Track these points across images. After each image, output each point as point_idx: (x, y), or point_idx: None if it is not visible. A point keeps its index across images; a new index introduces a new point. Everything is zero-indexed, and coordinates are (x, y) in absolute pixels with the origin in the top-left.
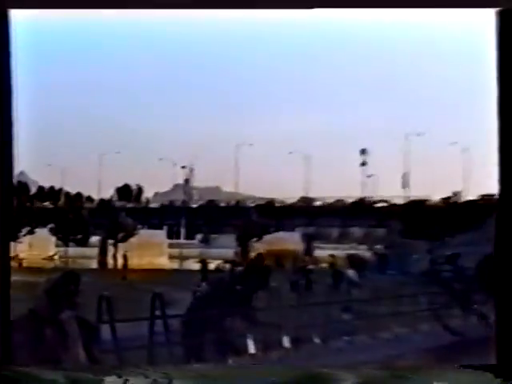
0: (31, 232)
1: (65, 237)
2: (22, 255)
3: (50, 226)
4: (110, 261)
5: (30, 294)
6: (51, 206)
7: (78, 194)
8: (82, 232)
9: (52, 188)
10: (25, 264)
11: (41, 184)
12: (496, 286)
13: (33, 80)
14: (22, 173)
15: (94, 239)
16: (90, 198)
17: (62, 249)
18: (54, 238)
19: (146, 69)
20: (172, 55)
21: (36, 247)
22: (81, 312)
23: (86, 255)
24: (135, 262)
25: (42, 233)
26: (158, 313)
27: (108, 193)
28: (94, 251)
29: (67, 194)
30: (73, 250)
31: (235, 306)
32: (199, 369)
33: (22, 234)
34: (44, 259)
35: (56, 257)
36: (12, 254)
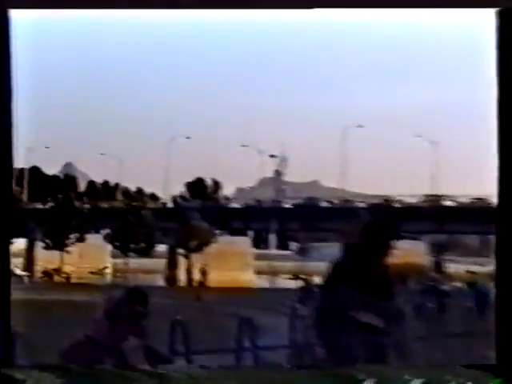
0: (81, 239)
1: (123, 245)
2: (69, 268)
3: (104, 231)
4: (181, 276)
5: (85, 317)
6: (106, 206)
7: (140, 191)
8: (144, 239)
9: (106, 183)
10: (74, 279)
11: (92, 178)
12: (497, 286)
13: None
14: (68, 164)
15: (161, 248)
16: (154, 196)
17: (119, 260)
18: (109, 247)
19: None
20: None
21: (87, 258)
22: (149, 340)
23: (149, 268)
24: (213, 277)
25: (96, 240)
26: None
27: (176, 189)
28: (161, 263)
29: (125, 190)
30: (134, 262)
31: (346, 335)
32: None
33: (71, 241)
34: (93, 273)
35: (108, 270)
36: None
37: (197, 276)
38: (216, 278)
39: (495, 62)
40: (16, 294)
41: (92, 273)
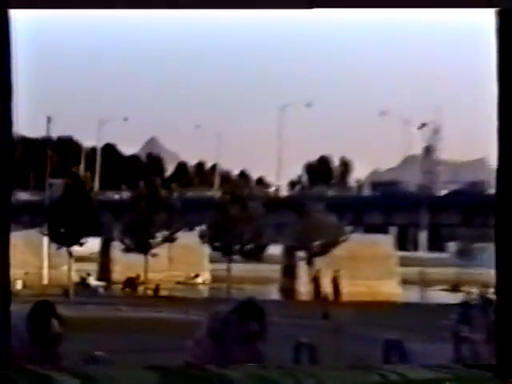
0: (171, 238)
1: (225, 246)
2: (156, 276)
3: (200, 228)
4: (301, 287)
5: (182, 339)
6: (201, 196)
7: (243, 175)
8: (252, 239)
9: (200, 165)
10: (164, 290)
11: (183, 159)
12: (497, 285)
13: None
14: (153, 140)
15: (274, 251)
16: (261, 181)
17: (220, 266)
18: (207, 249)
19: None
20: None
21: (178, 263)
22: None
23: (259, 276)
24: (344, 288)
25: (189, 240)
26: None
27: (293, 172)
28: (274, 270)
29: (225, 173)
30: (239, 269)
31: None
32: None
33: (158, 240)
34: (181, 283)
35: (202, 279)
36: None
37: (324, 286)
38: (348, 289)
39: (495, 63)
40: (89, 311)
41: (179, 283)
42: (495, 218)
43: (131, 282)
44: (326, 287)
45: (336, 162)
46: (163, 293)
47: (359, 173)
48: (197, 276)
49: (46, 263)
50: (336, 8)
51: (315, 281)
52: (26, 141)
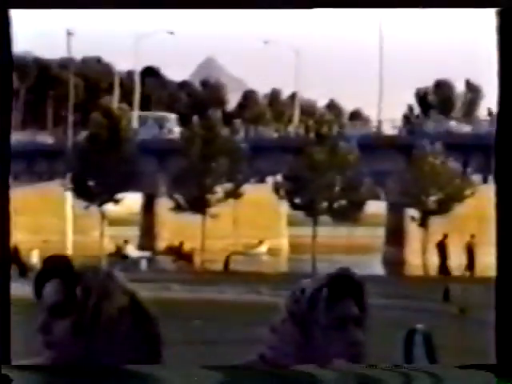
0: (235, 193)
1: (309, 203)
2: (218, 244)
3: (274, 177)
4: (413, 256)
5: (252, 324)
6: (274, 134)
7: (332, 106)
8: (345, 192)
9: (274, 94)
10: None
11: (250, 86)
12: (497, 285)
13: None
14: (209, 61)
15: (374, 208)
16: (356, 115)
17: (302, 230)
18: (284, 207)
19: None
20: None
21: (246, 226)
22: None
23: (354, 244)
24: (477, 257)
25: (260, 194)
26: None
27: (399, 101)
28: (376, 235)
29: (308, 105)
30: (326, 234)
31: None
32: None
33: (218, 196)
34: (239, 253)
35: (266, 247)
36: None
37: (448, 256)
38: (482, 259)
39: (496, 63)
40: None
41: (236, 253)
42: (496, 215)
43: (182, 253)
44: (450, 257)
45: (460, 88)
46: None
47: (491, 101)
48: (260, 243)
49: (70, 227)
50: (336, 8)
51: (440, 249)
52: (41, 64)
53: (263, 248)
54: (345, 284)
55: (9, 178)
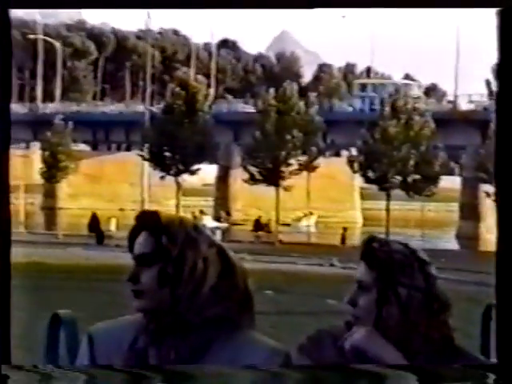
0: (310, 166)
1: (382, 177)
2: (291, 216)
3: (348, 151)
4: (487, 232)
5: (323, 296)
6: (348, 108)
7: (408, 80)
8: (419, 166)
9: (349, 67)
10: (301, 234)
11: (325, 60)
12: (497, 284)
13: None
14: (285, 34)
15: (448, 183)
16: (432, 89)
17: (375, 203)
18: (358, 180)
19: None
20: None
21: (320, 199)
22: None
23: (430, 218)
24: None
25: (334, 167)
26: None
27: (476, 76)
28: (448, 209)
29: (383, 79)
30: (401, 207)
31: None
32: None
33: (292, 168)
34: (286, 225)
35: (312, 220)
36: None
37: None
38: None
39: (496, 64)
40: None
41: (284, 224)
42: (497, 216)
43: (261, 224)
44: None
45: None
46: (294, 238)
47: None
48: (306, 215)
49: (146, 196)
50: (336, 8)
51: None
52: (119, 35)
53: (311, 220)
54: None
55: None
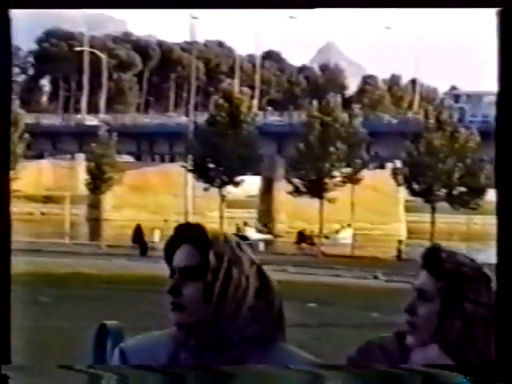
0: (354, 178)
1: (427, 189)
2: (335, 228)
3: (393, 163)
4: None
5: (367, 308)
6: (393, 119)
7: (454, 92)
8: (465, 178)
9: (394, 79)
10: (342, 246)
11: (370, 71)
12: (497, 285)
13: None
14: (330, 46)
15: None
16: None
17: (420, 216)
18: (403, 192)
19: None
20: None
21: (364, 211)
22: None
23: (474, 231)
24: None
25: (378, 179)
26: None
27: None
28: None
29: (428, 90)
30: (445, 220)
31: None
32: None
33: (336, 180)
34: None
35: (347, 233)
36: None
37: None
38: None
39: (496, 64)
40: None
41: (326, 237)
42: (497, 216)
43: (305, 235)
44: None
45: None
46: (337, 250)
47: None
48: (343, 227)
49: (190, 208)
50: (337, 8)
51: None
52: (164, 47)
53: (348, 233)
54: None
55: (9, 174)
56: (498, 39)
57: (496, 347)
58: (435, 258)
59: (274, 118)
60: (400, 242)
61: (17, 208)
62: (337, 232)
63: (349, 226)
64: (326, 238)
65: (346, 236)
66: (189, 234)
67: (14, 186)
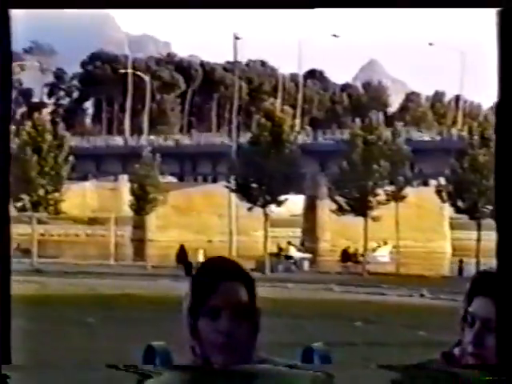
0: (398, 196)
1: (472, 207)
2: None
3: (437, 180)
4: None
5: (413, 327)
6: (436, 137)
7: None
8: None
9: (437, 96)
10: (385, 264)
11: (412, 88)
12: (497, 285)
13: None
14: (372, 64)
15: None
16: None
17: (465, 233)
18: (448, 210)
19: None
20: None
21: (409, 229)
22: None
23: None
24: None
25: (423, 197)
26: None
27: None
28: None
29: (472, 107)
30: (490, 237)
31: None
32: None
33: (380, 198)
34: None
35: (386, 250)
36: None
37: None
38: None
39: (496, 64)
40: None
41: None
42: (496, 213)
43: (349, 254)
44: None
45: None
46: (382, 268)
47: None
48: (380, 246)
49: (234, 228)
50: (337, 8)
51: None
52: (206, 67)
53: (386, 250)
54: None
55: (8, 185)
56: (497, 39)
57: (496, 347)
58: (494, 284)
59: (316, 136)
60: (461, 261)
61: (63, 230)
62: (373, 250)
63: (385, 243)
64: (362, 256)
65: (383, 254)
66: (234, 269)
67: (60, 207)
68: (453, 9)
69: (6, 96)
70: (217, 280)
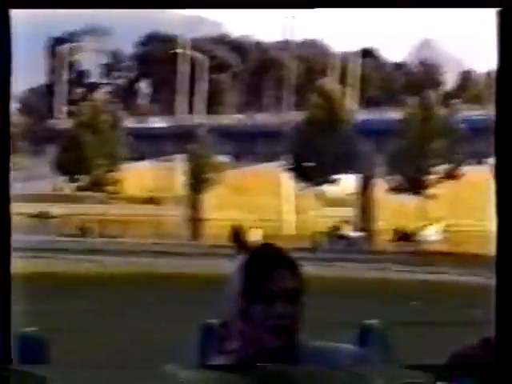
0: (453, 174)
1: None
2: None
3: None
4: None
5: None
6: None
7: None
8: None
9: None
10: (437, 243)
11: (469, 66)
12: (497, 284)
13: None
14: (428, 42)
15: None
16: None
17: None
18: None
19: None
20: None
21: (464, 207)
22: None
23: None
24: None
25: (478, 175)
26: None
27: None
28: None
29: None
30: None
31: None
32: None
33: (435, 177)
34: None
35: (433, 231)
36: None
37: None
38: None
39: (496, 64)
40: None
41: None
42: (496, 213)
43: (404, 233)
44: None
45: None
46: (436, 247)
47: None
48: (432, 224)
49: (291, 207)
50: (337, 8)
51: None
52: (261, 47)
53: (437, 229)
54: None
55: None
56: (497, 39)
57: (496, 347)
58: None
59: (372, 115)
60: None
61: (121, 210)
62: (423, 229)
63: (438, 222)
64: (415, 234)
65: (431, 232)
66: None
67: (118, 187)
68: (453, 9)
69: (6, 96)
70: (271, 267)
